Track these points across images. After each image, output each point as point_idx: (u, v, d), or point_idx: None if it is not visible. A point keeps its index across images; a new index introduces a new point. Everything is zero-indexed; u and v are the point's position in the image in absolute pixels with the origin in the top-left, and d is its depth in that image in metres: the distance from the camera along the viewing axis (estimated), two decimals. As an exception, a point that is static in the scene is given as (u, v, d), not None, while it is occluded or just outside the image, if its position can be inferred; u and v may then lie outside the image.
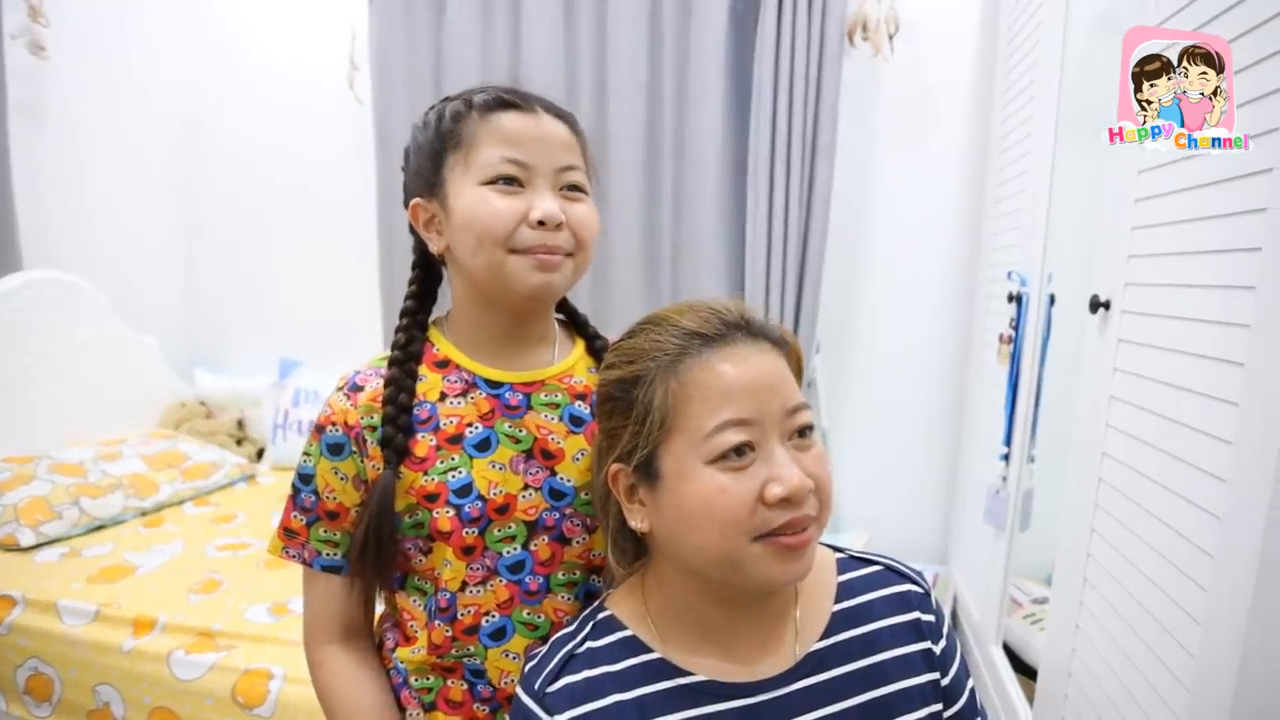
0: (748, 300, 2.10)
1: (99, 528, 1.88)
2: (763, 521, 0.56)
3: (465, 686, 0.74)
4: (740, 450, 0.57)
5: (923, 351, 2.17)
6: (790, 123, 1.95)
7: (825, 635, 0.64)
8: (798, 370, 0.63)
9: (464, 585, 0.72)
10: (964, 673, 0.67)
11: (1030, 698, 1.38)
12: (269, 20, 2.49)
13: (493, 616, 0.72)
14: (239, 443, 2.50)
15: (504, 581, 0.72)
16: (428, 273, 0.80)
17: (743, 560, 0.57)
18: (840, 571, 0.68)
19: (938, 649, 0.65)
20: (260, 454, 2.49)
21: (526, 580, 0.73)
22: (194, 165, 2.62)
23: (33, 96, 2.13)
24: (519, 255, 0.69)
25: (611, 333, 0.77)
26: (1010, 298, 1.59)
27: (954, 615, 1.96)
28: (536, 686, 0.61)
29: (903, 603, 0.67)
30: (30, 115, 2.13)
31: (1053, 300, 1.53)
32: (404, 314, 0.78)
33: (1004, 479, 1.62)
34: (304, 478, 0.75)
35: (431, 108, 0.75)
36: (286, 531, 0.76)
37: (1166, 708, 0.90)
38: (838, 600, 0.66)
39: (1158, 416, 0.98)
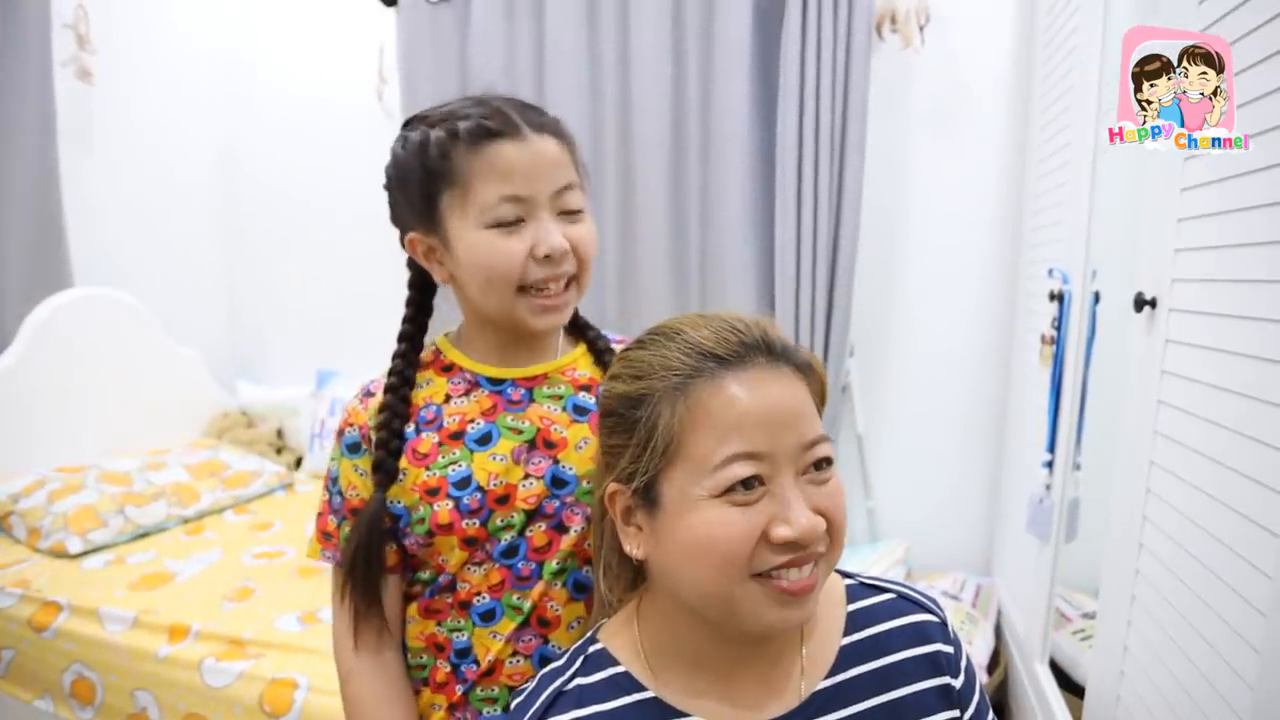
0: (778, 305, 2.10)
1: (143, 535, 1.94)
2: (763, 561, 0.53)
3: (449, 669, 0.76)
4: (749, 483, 0.53)
5: (961, 353, 2.09)
6: (818, 117, 1.90)
7: (834, 671, 0.60)
8: (821, 398, 0.59)
9: (464, 565, 0.74)
10: (984, 707, 0.63)
11: (1078, 719, 1.30)
12: (298, 42, 2.55)
13: (483, 597, 0.74)
14: (278, 451, 2.55)
15: (497, 565, 0.73)
16: (424, 294, 0.81)
17: (737, 600, 0.54)
18: (850, 600, 0.64)
19: (957, 684, 0.61)
20: (299, 463, 2.54)
21: (519, 565, 0.74)
22: (232, 185, 2.70)
23: (81, 122, 2.22)
24: (526, 295, 0.71)
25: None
26: (1052, 296, 1.51)
27: (998, 629, 1.87)
28: None
29: (918, 634, 0.62)
30: (79, 140, 2.22)
31: (1097, 298, 1.45)
32: (401, 339, 0.79)
33: (1047, 487, 1.53)
34: (333, 480, 0.78)
35: (410, 126, 0.75)
36: (324, 534, 0.79)
37: (1223, 740, 0.83)
38: (847, 632, 0.62)
39: (1209, 423, 0.91)
